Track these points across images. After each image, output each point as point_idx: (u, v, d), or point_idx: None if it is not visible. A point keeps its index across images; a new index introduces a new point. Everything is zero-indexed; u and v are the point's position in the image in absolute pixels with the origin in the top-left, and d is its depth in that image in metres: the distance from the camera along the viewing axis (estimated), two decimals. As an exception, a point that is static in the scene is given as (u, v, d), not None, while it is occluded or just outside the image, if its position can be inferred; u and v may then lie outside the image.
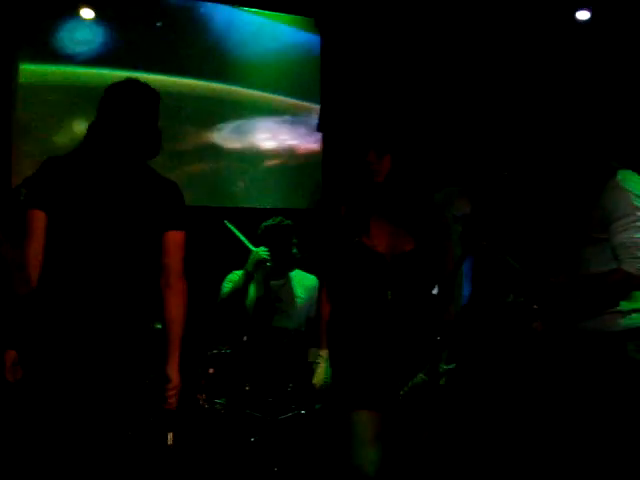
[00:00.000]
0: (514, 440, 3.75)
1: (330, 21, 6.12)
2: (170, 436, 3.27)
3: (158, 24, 5.74)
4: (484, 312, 4.25)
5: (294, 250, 4.70)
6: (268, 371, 4.11)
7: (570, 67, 5.64)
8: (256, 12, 6.05)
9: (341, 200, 3.27)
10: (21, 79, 5.31)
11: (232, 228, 4.61)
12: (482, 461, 3.82)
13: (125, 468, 2.82)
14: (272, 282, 4.70)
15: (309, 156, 6.16)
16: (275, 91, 6.08)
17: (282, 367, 4.17)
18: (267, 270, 4.64)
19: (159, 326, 4.01)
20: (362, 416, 3.07)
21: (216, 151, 5.91)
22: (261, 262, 4.48)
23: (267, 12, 6.07)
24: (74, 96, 5.36)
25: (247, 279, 4.52)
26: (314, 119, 6.00)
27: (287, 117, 6.09)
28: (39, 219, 2.76)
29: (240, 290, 4.55)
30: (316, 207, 6.12)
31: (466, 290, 4.18)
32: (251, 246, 4.56)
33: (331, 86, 6.11)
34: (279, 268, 4.72)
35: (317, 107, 6.06)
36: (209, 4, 5.90)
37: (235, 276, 4.64)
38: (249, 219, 5.00)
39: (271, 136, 6.07)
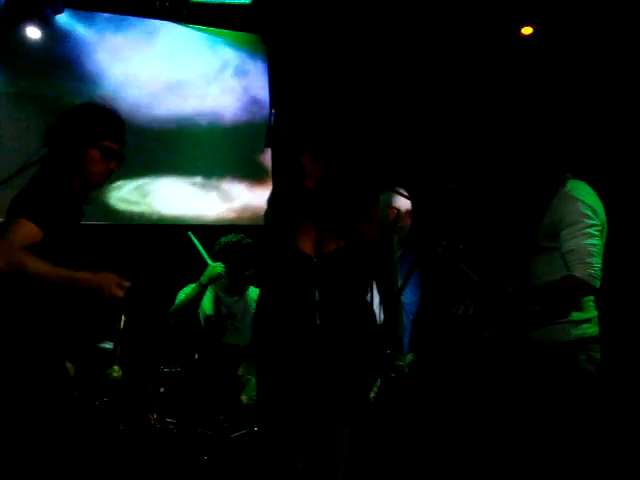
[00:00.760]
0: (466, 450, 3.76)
1: (276, 37, 6.14)
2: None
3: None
4: (434, 323, 4.28)
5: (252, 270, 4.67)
6: (220, 389, 4.07)
7: (516, 79, 5.73)
8: (204, 29, 6.06)
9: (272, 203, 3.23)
10: None
11: (194, 240, 4.59)
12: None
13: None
14: (227, 299, 4.68)
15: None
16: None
17: (234, 384, 4.13)
18: (223, 285, 4.62)
19: (108, 345, 3.99)
20: (286, 430, 3.03)
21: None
22: (217, 277, 4.45)
23: (212, 29, 6.09)
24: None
25: (200, 292, 4.49)
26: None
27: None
28: None
29: (192, 302, 4.51)
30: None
31: (413, 296, 4.19)
32: (209, 260, 4.53)
33: (279, 102, 6.12)
34: (235, 285, 4.70)
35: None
36: (157, 21, 5.89)
37: (189, 288, 4.60)
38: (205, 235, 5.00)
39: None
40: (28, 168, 3.11)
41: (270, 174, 6.15)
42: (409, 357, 3.90)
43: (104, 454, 3.69)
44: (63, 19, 5.49)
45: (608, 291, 3.34)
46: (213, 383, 4.07)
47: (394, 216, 4.34)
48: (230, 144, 6.14)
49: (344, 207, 3.10)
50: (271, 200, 3.23)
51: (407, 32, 5.97)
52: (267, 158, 6.15)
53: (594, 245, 3.22)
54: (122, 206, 5.65)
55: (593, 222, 3.25)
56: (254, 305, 4.69)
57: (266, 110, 6.10)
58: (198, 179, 5.97)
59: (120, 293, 2.90)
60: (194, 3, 5.71)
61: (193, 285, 4.58)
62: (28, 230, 2.82)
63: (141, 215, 5.74)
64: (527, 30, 5.75)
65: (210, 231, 5.10)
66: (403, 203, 4.31)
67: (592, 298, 3.35)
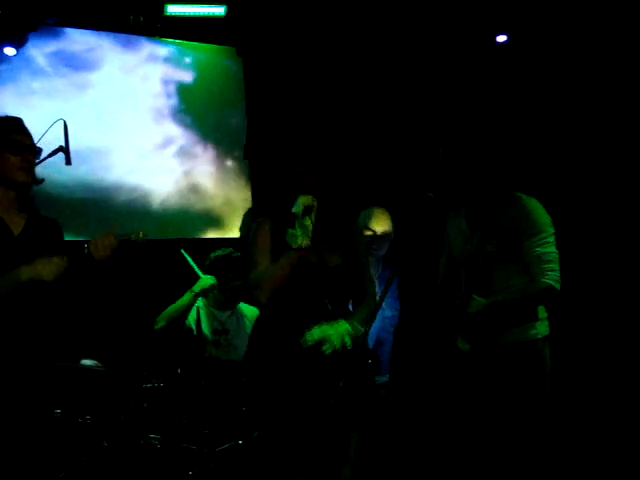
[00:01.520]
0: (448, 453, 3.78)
1: (251, 49, 6.15)
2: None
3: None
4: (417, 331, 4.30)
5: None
6: (204, 403, 4.05)
7: (488, 89, 5.79)
8: (178, 42, 6.06)
9: (270, 215, 3.23)
10: None
11: (187, 257, 4.58)
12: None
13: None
14: (220, 314, 4.67)
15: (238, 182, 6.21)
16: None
17: (224, 399, 4.12)
18: (214, 300, 4.62)
19: (88, 363, 3.96)
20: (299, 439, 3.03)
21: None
22: (209, 288, 4.43)
23: (187, 42, 6.10)
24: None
25: (191, 302, 4.46)
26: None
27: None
28: None
29: (182, 312, 4.49)
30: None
31: (394, 310, 4.21)
32: (201, 274, 4.52)
33: (256, 115, 6.13)
34: (227, 300, 4.70)
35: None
36: (133, 37, 5.89)
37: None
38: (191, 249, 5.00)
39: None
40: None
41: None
42: (384, 379, 3.93)
43: (88, 472, 3.67)
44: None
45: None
46: (197, 397, 4.06)
47: (369, 239, 4.40)
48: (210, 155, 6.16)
49: (339, 220, 3.21)
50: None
51: (383, 44, 6.00)
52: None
53: (556, 253, 3.45)
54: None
55: (553, 231, 3.48)
56: (246, 322, 4.72)
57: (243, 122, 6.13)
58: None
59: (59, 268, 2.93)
60: (168, 16, 5.72)
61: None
62: None
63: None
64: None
65: (196, 246, 5.09)
66: (380, 225, 4.35)
67: None
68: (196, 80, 6.16)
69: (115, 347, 4.56)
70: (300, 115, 5.95)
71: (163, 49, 6.08)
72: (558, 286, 3.40)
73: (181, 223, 5.95)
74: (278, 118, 6.00)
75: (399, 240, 4.57)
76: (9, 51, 5.33)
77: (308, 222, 3.01)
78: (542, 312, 3.53)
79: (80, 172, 5.45)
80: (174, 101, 6.07)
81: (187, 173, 6.02)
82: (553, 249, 3.44)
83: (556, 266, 3.42)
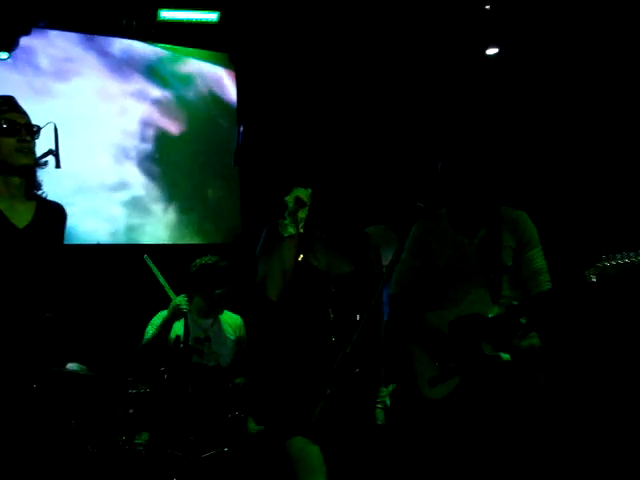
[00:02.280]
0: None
1: (244, 55, 6.16)
2: None
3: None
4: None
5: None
6: (190, 409, 4.04)
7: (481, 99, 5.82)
8: (172, 47, 6.06)
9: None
10: None
11: (151, 265, 4.43)
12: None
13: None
14: (202, 321, 4.65)
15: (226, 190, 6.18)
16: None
17: (209, 406, 4.11)
18: (197, 308, 4.60)
19: (74, 367, 3.94)
20: (301, 443, 2.99)
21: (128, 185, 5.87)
22: (180, 314, 4.36)
23: (180, 47, 6.10)
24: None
25: (167, 329, 4.43)
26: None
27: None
28: None
29: (160, 337, 4.48)
30: (235, 242, 6.10)
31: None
32: (171, 293, 4.40)
33: (247, 121, 6.12)
34: (210, 308, 4.68)
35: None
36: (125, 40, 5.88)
37: (158, 319, 4.58)
38: (168, 256, 4.96)
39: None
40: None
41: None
42: (390, 387, 3.91)
43: (72, 477, 3.65)
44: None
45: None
46: (183, 403, 4.05)
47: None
48: (201, 162, 6.14)
49: (350, 229, 3.20)
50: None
51: (377, 52, 6.02)
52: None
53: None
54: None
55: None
56: (229, 329, 4.70)
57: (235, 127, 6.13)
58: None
59: None
60: (162, 22, 5.72)
61: (162, 314, 4.54)
62: None
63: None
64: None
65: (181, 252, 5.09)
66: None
67: None
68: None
69: (101, 352, 4.54)
70: (292, 122, 5.96)
71: (156, 90, 6.03)
72: None
73: (170, 229, 5.96)
74: (270, 124, 6.00)
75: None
76: (1, 55, 5.31)
77: (301, 214, 2.99)
78: None
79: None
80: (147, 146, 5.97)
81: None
82: (545, 262, 3.52)
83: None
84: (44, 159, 3.01)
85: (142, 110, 5.97)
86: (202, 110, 6.18)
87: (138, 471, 3.92)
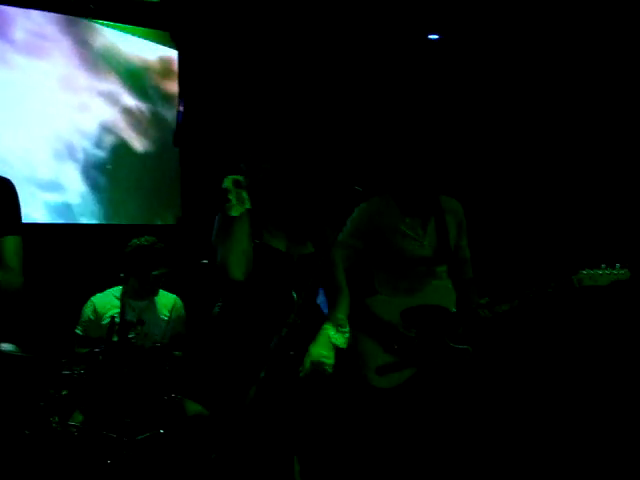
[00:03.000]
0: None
1: (186, 34, 6.08)
2: None
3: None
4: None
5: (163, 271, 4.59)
6: (126, 391, 4.01)
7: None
8: (112, 25, 5.94)
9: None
10: None
11: None
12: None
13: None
14: (135, 303, 4.60)
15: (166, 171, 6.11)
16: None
17: (146, 387, 4.08)
18: (131, 289, 4.56)
19: (7, 347, 3.87)
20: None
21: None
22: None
23: (120, 25, 5.98)
24: None
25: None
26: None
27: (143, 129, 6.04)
28: None
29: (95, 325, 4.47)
30: (177, 223, 6.06)
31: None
32: None
33: (189, 99, 6.06)
34: (144, 289, 4.64)
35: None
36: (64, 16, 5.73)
37: (97, 299, 4.59)
38: (108, 236, 4.90)
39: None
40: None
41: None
42: None
43: (5, 460, 3.60)
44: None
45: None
46: (118, 385, 4.01)
47: None
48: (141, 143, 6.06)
49: (309, 211, 3.23)
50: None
51: (319, 35, 6.00)
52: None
53: None
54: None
55: None
56: (164, 310, 4.66)
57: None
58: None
59: None
60: (102, -1, 5.62)
61: (95, 300, 4.56)
62: None
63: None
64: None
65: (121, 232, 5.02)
66: None
67: None
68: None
69: (35, 332, 4.47)
70: (236, 103, 5.92)
71: (131, 98, 5.88)
72: None
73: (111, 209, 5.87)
74: (212, 105, 5.95)
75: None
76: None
77: (244, 194, 3.04)
78: None
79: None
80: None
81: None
82: None
83: None
84: None
85: (107, 114, 5.80)
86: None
87: (72, 453, 3.87)
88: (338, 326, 3.09)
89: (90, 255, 5.32)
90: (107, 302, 4.60)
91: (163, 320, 4.66)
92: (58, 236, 5.44)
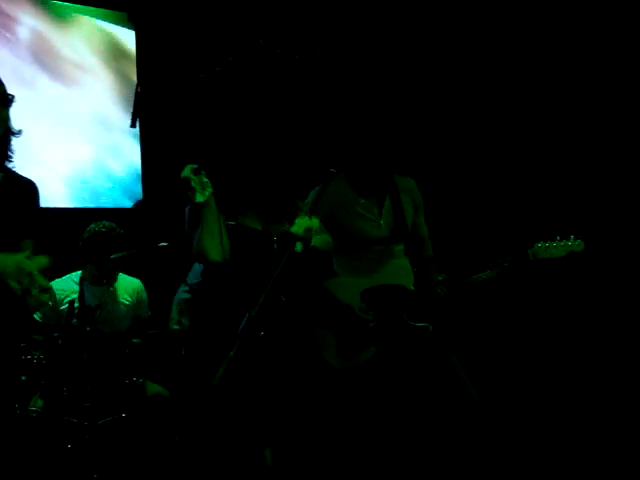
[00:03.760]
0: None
1: (143, 15, 6.01)
2: None
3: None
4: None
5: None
6: (86, 376, 3.98)
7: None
8: (69, 6, 5.86)
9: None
10: None
11: None
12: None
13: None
14: (94, 288, 4.56)
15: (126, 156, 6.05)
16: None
17: (106, 371, 4.05)
18: (89, 274, 4.53)
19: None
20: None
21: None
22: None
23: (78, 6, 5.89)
24: None
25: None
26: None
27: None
28: None
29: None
30: (136, 207, 6.01)
31: None
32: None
33: (146, 81, 6.00)
34: (103, 274, 4.60)
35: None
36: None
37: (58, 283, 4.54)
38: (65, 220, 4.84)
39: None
40: None
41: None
42: None
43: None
44: None
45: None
46: (79, 370, 3.98)
47: None
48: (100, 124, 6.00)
49: (278, 192, 3.28)
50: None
51: (277, 17, 5.97)
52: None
53: None
54: None
55: None
56: (124, 294, 4.63)
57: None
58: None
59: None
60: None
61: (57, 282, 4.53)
62: None
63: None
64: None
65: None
66: None
67: None
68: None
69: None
70: (192, 83, 5.87)
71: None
72: None
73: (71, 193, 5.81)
74: (169, 86, 5.90)
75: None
76: None
77: (204, 179, 3.05)
78: None
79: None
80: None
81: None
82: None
83: None
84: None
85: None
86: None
87: (32, 438, 3.84)
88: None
89: (52, 240, 5.25)
90: (66, 287, 4.56)
91: (124, 304, 4.63)
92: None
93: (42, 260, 2.86)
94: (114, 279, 4.67)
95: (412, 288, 3.55)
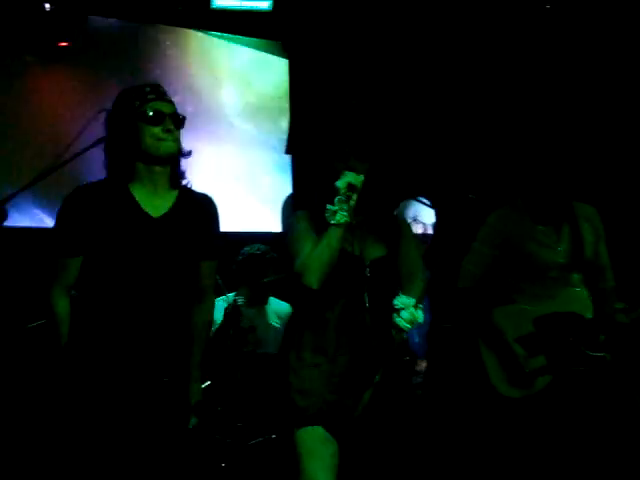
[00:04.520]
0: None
1: (297, 44, 6.15)
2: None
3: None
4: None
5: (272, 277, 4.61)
6: (244, 397, 4.06)
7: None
8: (225, 36, 6.08)
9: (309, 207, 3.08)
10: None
11: None
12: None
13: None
14: (247, 311, 4.65)
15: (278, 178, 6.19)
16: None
17: (258, 392, 4.12)
18: (246, 295, 4.60)
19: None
20: (310, 433, 2.89)
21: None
22: (236, 313, 4.37)
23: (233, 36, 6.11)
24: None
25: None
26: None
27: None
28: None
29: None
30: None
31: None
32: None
33: (299, 108, 6.12)
34: (256, 297, 4.69)
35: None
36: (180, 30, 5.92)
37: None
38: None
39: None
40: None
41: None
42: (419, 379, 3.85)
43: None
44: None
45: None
46: (232, 390, 4.07)
47: (422, 231, 4.29)
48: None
49: (385, 212, 3.10)
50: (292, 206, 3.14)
51: (434, 41, 5.94)
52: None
53: None
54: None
55: None
56: (275, 318, 4.70)
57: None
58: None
59: None
60: (215, 9, 5.73)
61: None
62: None
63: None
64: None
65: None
66: (428, 216, 4.27)
67: None
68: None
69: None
70: (345, 110, 5.92)
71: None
72: None
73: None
74: (323, 112, 5.97)
75: (438, 243, 4.48)
76: (64, 44, 5.38)
77: (352, 202, 2.83)
78: None
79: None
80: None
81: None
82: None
83: None
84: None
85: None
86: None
87: (187, 456, 3.94)
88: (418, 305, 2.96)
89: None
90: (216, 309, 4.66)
91: (274, 327, 4.70)
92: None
93: None
94: (265, 302, 4.76)
95: (589, 316, 3.42)
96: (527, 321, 3.43)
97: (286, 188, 6.17)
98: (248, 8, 5.70)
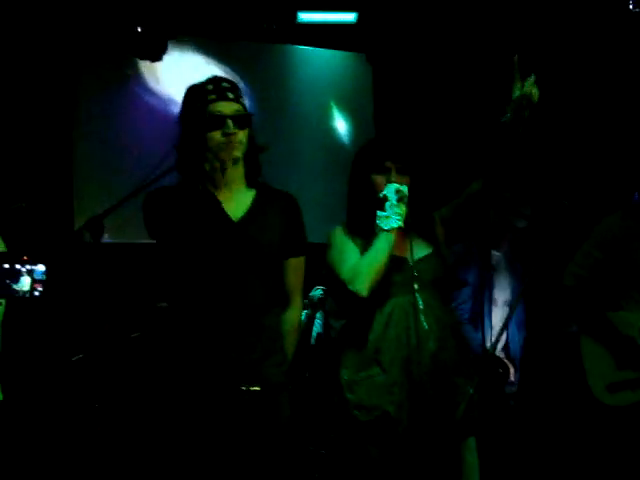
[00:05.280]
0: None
1: (381, 56, 6.17)
2: None
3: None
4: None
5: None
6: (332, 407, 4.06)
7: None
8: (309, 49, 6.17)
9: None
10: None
11: None
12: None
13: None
14: (336, 323, 4.66)
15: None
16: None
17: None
18: (332, 309, 4.61)
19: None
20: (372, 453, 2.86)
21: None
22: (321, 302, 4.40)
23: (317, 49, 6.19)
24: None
25: (310, 320, 4.47)
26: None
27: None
28: None
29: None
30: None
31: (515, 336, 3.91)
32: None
33: (384, 119, 6.13)
34: (342, 309, 4.70)
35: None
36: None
37: None
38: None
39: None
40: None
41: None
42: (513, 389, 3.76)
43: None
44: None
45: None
46: (326, 402, 4.08)
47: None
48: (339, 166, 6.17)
49: (427, 215, 3.05)
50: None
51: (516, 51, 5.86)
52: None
53: None
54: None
55: None
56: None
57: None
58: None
59: None
60: (300, 23, 5.79)
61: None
62: None
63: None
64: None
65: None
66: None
67: None
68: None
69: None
70: (428, 121, 5.91)
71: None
72: None
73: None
74: (406, 124, 5.97)
75: (531, 251, 4.40)
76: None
77: (402, 208, 2.82)
78: None
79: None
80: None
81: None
82: None
83: None
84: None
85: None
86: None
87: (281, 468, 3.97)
88: None
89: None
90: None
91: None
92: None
93: None
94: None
95: None
96: (635, 327, 3.34)
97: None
98: (334, 21, 5.75)
